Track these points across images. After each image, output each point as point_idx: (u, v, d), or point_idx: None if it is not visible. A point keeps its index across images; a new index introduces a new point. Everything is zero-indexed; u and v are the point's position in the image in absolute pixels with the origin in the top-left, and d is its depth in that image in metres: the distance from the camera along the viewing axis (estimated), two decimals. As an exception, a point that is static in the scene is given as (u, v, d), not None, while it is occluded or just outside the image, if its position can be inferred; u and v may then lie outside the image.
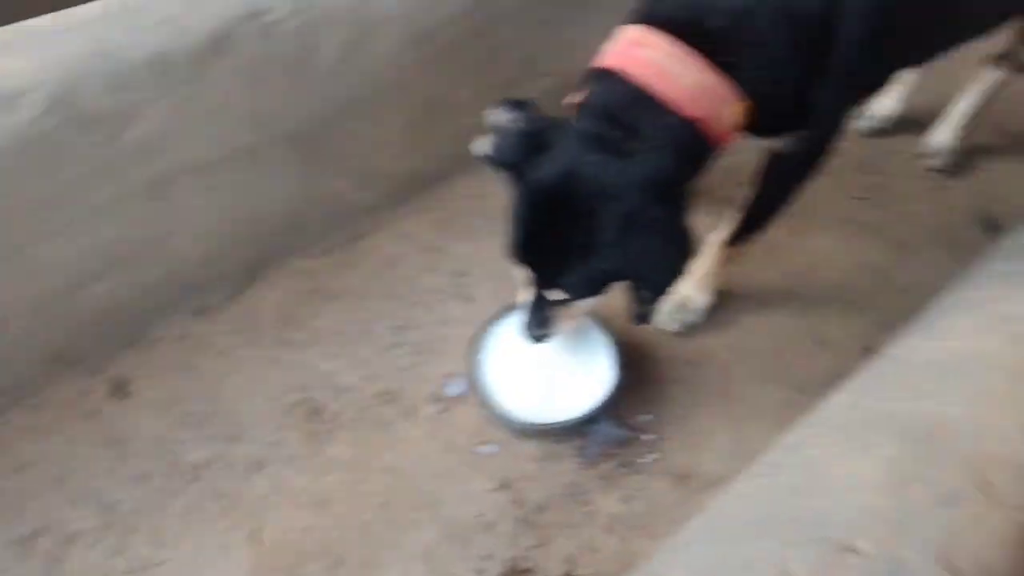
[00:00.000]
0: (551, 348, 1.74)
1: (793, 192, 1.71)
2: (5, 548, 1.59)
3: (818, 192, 2.22)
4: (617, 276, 1.42)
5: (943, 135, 2.38)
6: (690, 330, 1.96)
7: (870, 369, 1.47)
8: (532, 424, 1.71)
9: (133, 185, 1.71)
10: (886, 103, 2.49)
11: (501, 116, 1.41)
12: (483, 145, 1.43)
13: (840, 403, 1.38)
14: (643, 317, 1.49)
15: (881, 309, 2.00)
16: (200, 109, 1.73)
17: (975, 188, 2.36)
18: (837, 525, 1.07)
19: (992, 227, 2.24)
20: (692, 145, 1.34)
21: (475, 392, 1.76)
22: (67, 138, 1.58)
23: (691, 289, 1.94)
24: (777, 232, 2.12)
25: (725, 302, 2.01)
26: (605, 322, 1.85)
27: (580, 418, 1.70)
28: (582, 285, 1.44)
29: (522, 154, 1.38)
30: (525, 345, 1.66)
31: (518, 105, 1.40)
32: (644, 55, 1.30)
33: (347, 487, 1.69)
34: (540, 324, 1.59)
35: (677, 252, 1.38)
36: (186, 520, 1.64)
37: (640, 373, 1.88)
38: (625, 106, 1.31)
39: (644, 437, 1.77)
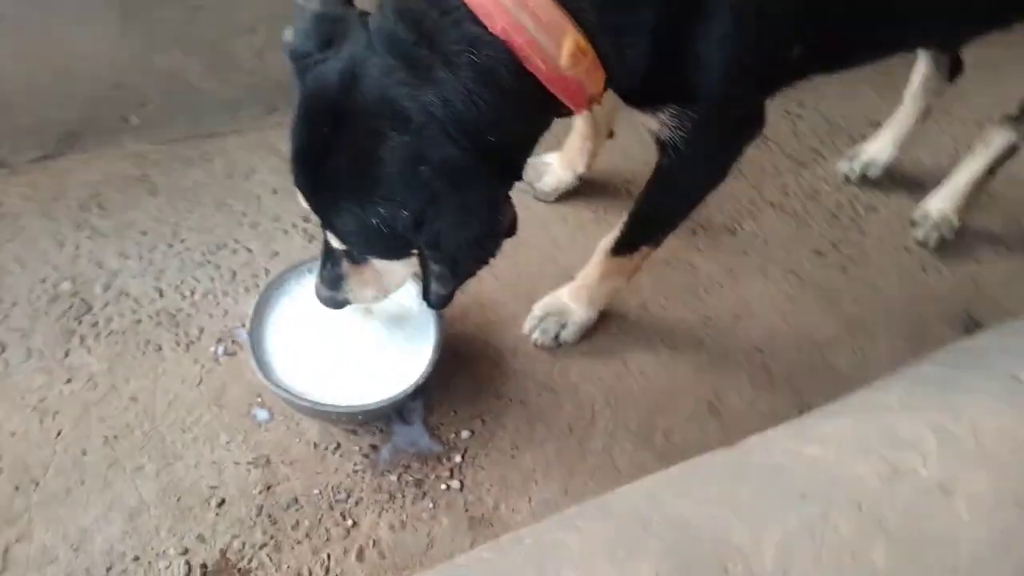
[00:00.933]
0: (357, 320, 1.43)
1: (683, 195, 1.41)
2: None
3: (772, 232, 1.95)
4: (399, 231, 1.08)
5: (939, 203, 1.99)
6: (559, 348, 1.63)
7: (697, 461, 1.13)
8: (284, 393, 1.36)
9: None
10: (878, 146, 2.10)
11: (305, -6, 1.08)
12: (290, 33, 1.10)
13: (630, 494, 1.04)
14: (434, 298, 1.17)
15: (800, 391, 1.65)
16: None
17: (962, 276, 1.96)
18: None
19: (971, 328, 1.84)
20: (508, 79, 0.99)
21: (248, 342, 1.42)
22: None
23: (568, 297, 1.62)
24: (709, 266, 1.84)
25: (614, 328, 1.69)
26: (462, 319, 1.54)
27: (348, 408, 1.36)
28: (359, 232, 1.11)
29: (312, 44, 1.05)
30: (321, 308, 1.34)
31: (320, -18, 1.07)
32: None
33: (81, 404, 1.41)
34: (330, 283, 1.28)
35: (474, 220, 1.05)
36: None
37: (480, 382, 1.56)
38: (424, 4, 0.99)
39: (452, 458, 1.45)
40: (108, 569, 1.26)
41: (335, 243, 1.20)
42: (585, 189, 1.89)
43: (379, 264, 1.26)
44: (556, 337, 1.62)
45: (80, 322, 1.49)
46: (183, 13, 1.68)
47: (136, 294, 1.55)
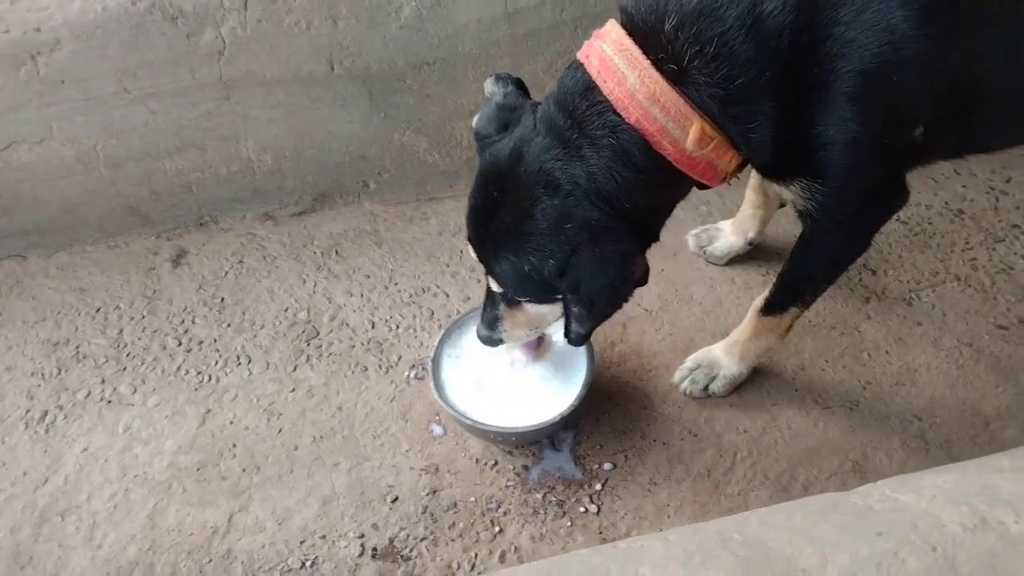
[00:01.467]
0: (517, 357, 1.65)
1: (823, 261, 1.48)
2: (36, 344, 1.89)
3: (952, 305, 1.94)
4: (546, 277, 1.28)
5: None
6: (708, 399, 1.73)
7: (801, 500, 1.20)
8: (453, 412, 1.60)
9: (205, 79, 1.90)
10: None
11: (489, 88, 1.35)
12: (476, 118, 1.38)
13: (726, 520, 1.14)
14: (573, 336, 1.35)
15: (956, 458, 1.59)
16: (277, 27, 1.87)
17: None
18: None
19: None
20: (641, 159, 1.18)
21: (430, 369, 1.69)
22: (152, 24, 1.82)
23: (721, 352, 1.72)
24: (877, 333, 1.86)
25: (767, 385, 1.75)
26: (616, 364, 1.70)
27: (504, 429, 1.58)
28: (514, 278, 1.33)
29: (493, 128, 1.32)
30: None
31: (504, 79, 1.34)
32: (600, 46, 1.16)
33: (300, 409, 1.75)
34: (489, 324, 1.51)
35: (609, 270, 1.23)
36: (166, 379, 1.81)
37: (628, 422, 1.70)
38: (577, 98, 1.20)
39: (594, 486, 1.61)
40: (301, 542, 1.55)
41: (494, 287, 1.44)
42: (755, 253, 1.99)
43: (529, 308, 1.47)
44: (705, 388, 1.73)
45: (309, 344, 1.86)
46: (417, 100, 2.07)
47: (354, 325, 1.90)
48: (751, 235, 1.96)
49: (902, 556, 1.01)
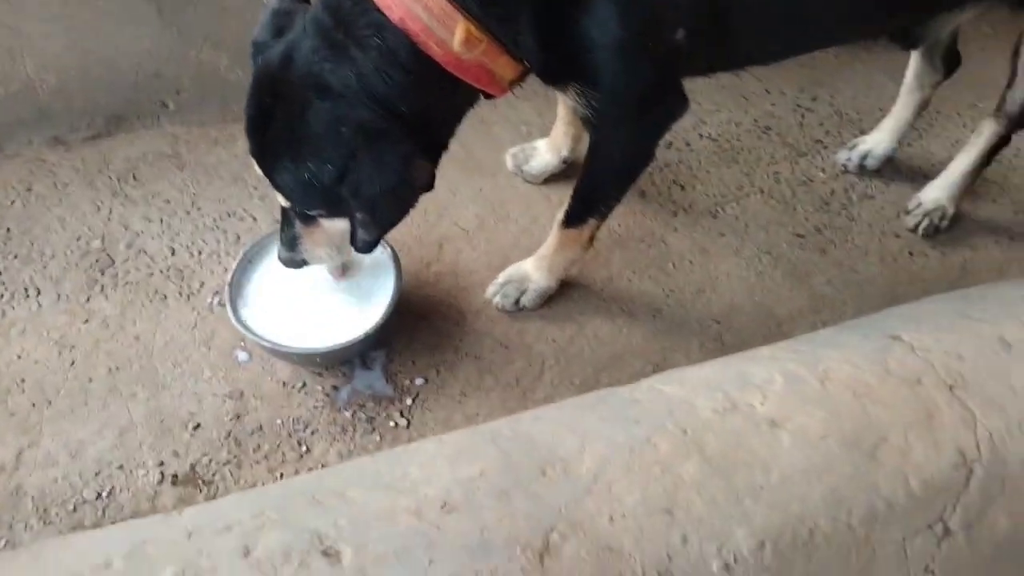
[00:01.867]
0: (321, 278, 1.61)
1: (611, 170, 1.52)
2: None
3: (755, 217, 2.00)
4: (327, 184, 1.25)
5: (934, 192, 1.98)
6: (520, 312, 1.75)
7: (582, 397, 1.24)
8: (252, 335, 1.55)
9: None
10: (877, 137, 2.11)
11: (268, -7, 1.28)
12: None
13: (506, 420, 1.17)
14: (360, 243, 1.33)
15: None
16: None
17: (951, 263, 1.95)
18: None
19: (952, 323, 1.82)
20: (408, 59, 1.15)
21: (228, 293, 1.62)
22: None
23: (530, 266, 1.74)
24: (682, 244, 1.92)
25: (576, 296, 1.79)
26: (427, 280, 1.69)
27: (305, 349, 1.54)
28: (296, 188, 1.29)
29: (267, 34, 1.26)
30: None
31: (280, -17, 1.27)
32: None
33: (94, 340, 1.65)
34: (288, 244, 1.47)
35: (388, 172, 1.21)
36: (-57, 317, 1.68)
37: (441, 338, 1.71)
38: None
39: (404, 401, 1.61)
40: (96, 474, 1.48)
41: (282, 201, 1.39)
42: (571, 172, 2.00)
43: (325, 224, 1.43)
44: (517, 302, 1.75)
45: (103, 273, 1.75)
46: (211, 12, 1.95)
47: (152, 252, 1.80)
48: (564, 153, 1.98)
49: (654, 441, 1.06)
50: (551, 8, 1.18)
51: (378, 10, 1.14)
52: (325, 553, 0.90)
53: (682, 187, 2.04)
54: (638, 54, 1.25)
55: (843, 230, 1.99)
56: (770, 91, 2.35)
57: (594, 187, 1.56)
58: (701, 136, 2.17)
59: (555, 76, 1.32)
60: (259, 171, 1.34)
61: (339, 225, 1.44)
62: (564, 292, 1.79)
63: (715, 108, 2.25)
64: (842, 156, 2.14)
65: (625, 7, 1.18)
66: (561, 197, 1.98)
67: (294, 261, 1.52)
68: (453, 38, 1.14)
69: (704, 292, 1.83)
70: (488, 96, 1.31)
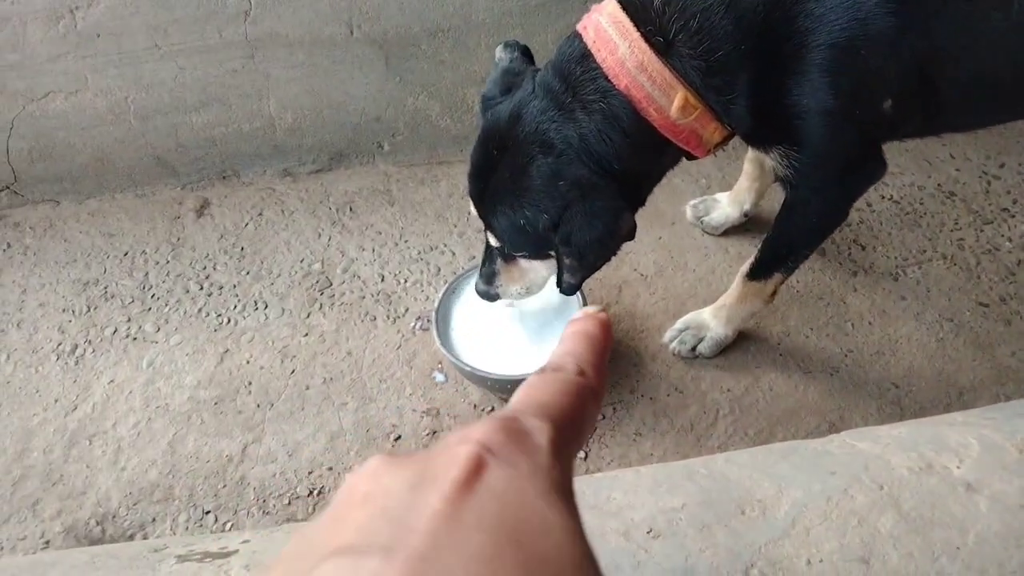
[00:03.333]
0: (513, 309, 1.75)
1: (804, 228, 1.57)
2: (68, 284, 2.01)
3: (937, 282, 2.01)
4: (540, 231, 1.38)
5: None
6: (695, 359, 1.82)
7: (769, 446, 1.30)
8: (456, 362, 1.70)
9: (231, 38, 2.02)
10: None
11: (499, 54, 1.44)
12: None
13: (695, 461, 1.25)
14: (565, 286, 1.45)
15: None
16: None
17: None
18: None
19: None
20: (629, 123, 1.27)
21: (434, 320, 1.78)
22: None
23: (709, 315, 1.81)
24: (862, 305, 1.94)
25: (752, 349, 1.85)
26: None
27: (501, 376, 1.67)
28: (510, 231, 1.43)
29: (497, 91, 1.42)
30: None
31: (511, 46, 1.43)
32: (596, 18, 1.25)
33: (312, 352, 1.86)
34: (487, 279, 1.61)
35: (598, 223, 1.33)
36: (189, 320, 1.93)
37: (619, 375, 1.81)
38: (573, 64, 1.29)
39: (584, 433, 1.71)
40: (309, 473, 1.67)
41: (492, 241, 1.54)
42: (750, 226, 2.07)
43: (524, 263, 1.57)
44: (693, 349, 1.83)
45: (322, 293, 1.97)
46: (431, 65, 2.16)
47: (365, 277, 2.01)
48: (747, 207, 2.05)
49: (851, 492, 1.12)
50: (766, 78, 1.27)
51: (606, 78, 1.27)
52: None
53: (862, 247, 2.06)
54: (845, 121, 1.32)
55: (1026, 302, 1.95)
56: (955, 156, 2.33)
57: (785, 242, 1.63)
58: (883, 198, 2.19)
59: (760, 139, 1.42)
60: (474, 212, 1.50)
61: (536, 266, 1.59)
62: (740, 344, 1.85)
63: (898, 171, 2.26)
64: None
65: (837, 77, 1.25)
66: (739, 250, 2.06)
67: (488, 294, 1.67)
68: (672, 105, 1.26)
69: (883, 355, 1.85)
70: (691, 158, 1.42)
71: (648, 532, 1.05)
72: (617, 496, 1.15)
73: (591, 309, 0.57)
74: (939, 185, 2.24)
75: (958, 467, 1.12)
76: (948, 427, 1.21)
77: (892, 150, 2.29)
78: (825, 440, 1.26)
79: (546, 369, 0.50)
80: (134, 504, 1.65)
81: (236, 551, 1.12)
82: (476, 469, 0.38)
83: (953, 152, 2.33)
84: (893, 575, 1.01)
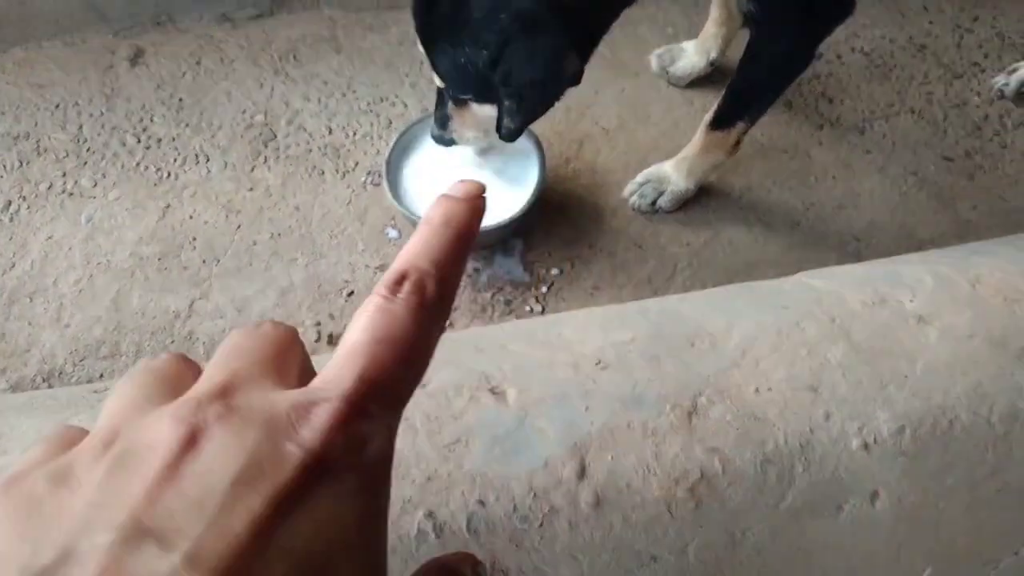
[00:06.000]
0: (467, 161, 1.67)
1: (769, 72, 1.49)
2: (-5, 137, 1.90)
3: (903, 136, 1.97)
4: (480, 69, 1.29)
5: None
6: (655, 213, 1.78)
7: (729, 287, 1.28)
8: (410, 215, 1.65)
9: None
10: None
11: None
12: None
13: (652, 301, 1.22)
14: (504, 131, 1.38)
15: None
16: None
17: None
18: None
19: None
20: None
21: (384, 175, 1.71)
22: None
23: (670, 168, 1.76)
24: (826, 158, 1.90)
25: (713, 203, 1.81)
26: (566, 174, 1.74)
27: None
28: (452, 70, 1.34)
29: None
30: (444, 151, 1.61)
31: None
32: None
33: (258, 207, 1.79)
34: (440, 123, 1.53)
35: (539, 62, 1.24)
36: (127, 174, 1.84)
37: (577, 230, 1.77)
38: None
39: (540, 289, 1.69)
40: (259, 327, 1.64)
41: (438, 83, 1.45)
42: (716, 78, 1.99)
43: (475, 107, 1.48)
44: (653, 203, 1.78)
45: (266, 146, 1.88)
46: None
47: (311, 130, 1.91)
48: (713, 55, 1.96)
49: (803, 325, 1.10)
50: None
51: None
52: (492, 391, 0.99)
53: (830, 100, 2.00)
54: None
55: (994, 156, 1.91)
56: (928, 8, 2.24)
57: (748, 88, 1.56)
58: (853, 50, 2.10)
59: None
60: (421, 49, 1.40)
61: (487, 110, 1.49)
62: (701, 198, 1.81)
63: (870, 22, 2.17)
64: (999, 81, 2.04)
65: None
66: (704, 102, 1.98)
67: (443, 139, 1.59)
68: None
69: (845, 208, 1.82)
70: None
71: (597, 364, 1.03)
72: (568, 333, 1.12)
73: (467, 184, 0.42)
74: (911, 38, 2.16)
75: (911, 301, 1.10)
76: (904, 265, 1.20)
77: (864, 2, 2.22)
78: (781, 280, 1.24)
79: (384, 285, 0.36)
80: (80, 360, 1.61)
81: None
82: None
83: (927, 4, 2.24)
84: (841, 402, 1.01)
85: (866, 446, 1.01)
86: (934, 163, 1.90)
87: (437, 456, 0.96)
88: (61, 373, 1.61)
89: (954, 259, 1.22)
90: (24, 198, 1.81)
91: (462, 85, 1.40)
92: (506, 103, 1.34)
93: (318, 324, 1.63)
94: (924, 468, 1.02)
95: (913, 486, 1.01)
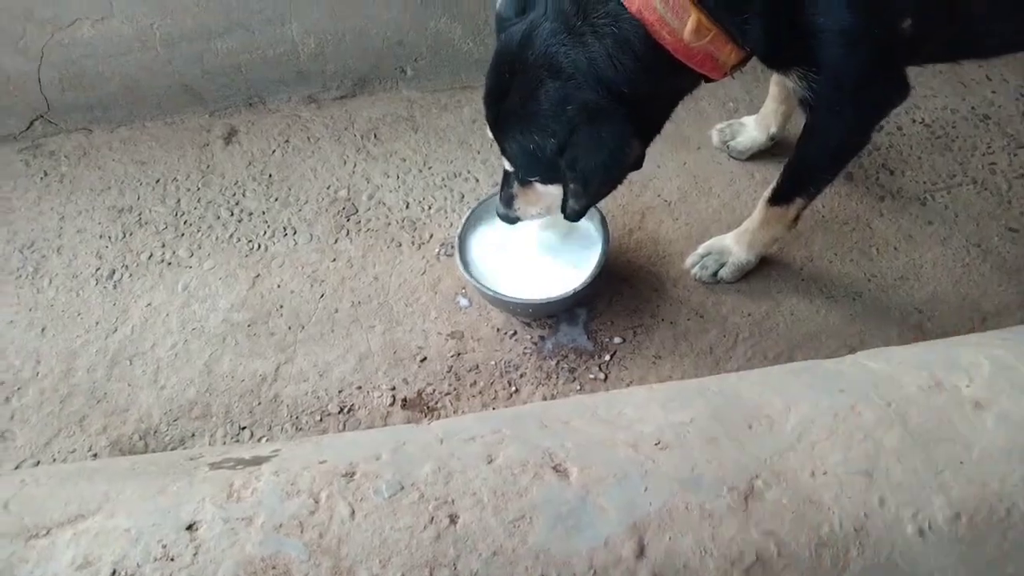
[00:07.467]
0: (533, 235, 1.77)
1: (825, 152, 1.55)
2: (103, 210, 2.07)
3: (966, 207, 1.99)
4: (548, 155, 1.39)
5: None
6: (717, 284, 1.84)
7: (785, 366, 1.32)
8: (479, 286, 1.73)
9: None
10: None
11: (512, -25, 1.43)
12: (500, 2, 1.46)
13: (710, 379, 1.28)
14: (569, 211, 1.47)
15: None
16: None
17: None
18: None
19: None
20: (641, 48, 1.26)
21: (457, 246, 1.81)
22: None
23: (731, 240, 1.82)
24: (888, 230, 1.93)
25: (774, 275, 1.86)
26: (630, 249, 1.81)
27: (523, 300, 1.71)
28: (521, 156, 1.45)
29: (512, 11, 1.41)
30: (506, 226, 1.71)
31: (523, -35, 1.41)
32: (610, -60, 1.24)
33: (340, 277, 1.91)
34: (506, 202, 1.63)
35: (603, 149, 1.34)
36: (221, 246, 1.98)
37: (640, 302, 1.83)
38: None
39: (603, 357, 1.75)
40: (339, 391, 1.74)
41: (507, 166, 1.56)
42: (777, 151, 2.05)
43: (539, 188, 1.58)
44: (715, 274, 1.84)
45: (348, 219, 2.01)
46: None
47: (390, 204, 2.04)
48: (773, 130, 2.02)
49: (859, 409, 1.14)
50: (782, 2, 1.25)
51: (618, 1, 1.26)
52: (556, 469, 1.06)
53: (891, 172, 2.03)
54: (862, 40, 1.29)
55: (1062, 230, 1.92)
56: (991, 78, 2.26)
57: (806, 166, 1.62)
58: (914, 121, 2.14)
59: (778, 60, 1.40)
60: (491, 135, 1.51)
61: (552, 189, 1.59)
62: (763, 269, 1.86)
63: (931, 93, 2.20)
64: None
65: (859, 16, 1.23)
66: (765, 175, 2.04)
67: (508, 217, 1.69)
68: (685, 28, 1.25)
69: (907, 280, 1.84)
70: (708, 80, 1.40)
71: (656, 444, 1.09)
72: (628, 411, 1.19)
73: None
74: (973, 108, 2.18)
75: (968, 386, 1.13)
76: (961, 347, 1.22)
77: (925, 73, 2.26)
78: (838, 360, 1.28)
79: None
80: (174, 420, 1.73)
81: (267, 459, 1.18)
82: None
83: (990, 74, 2.26)
84: (896, 487, 1.04)
85: (921, 532, 1.04)
86: (998, 234, 1.91)
87: (503, 532, 1.03)
88: (156, 432, 1.74)
89: (1012, 342, 1.24)
90: (127, 267, 1.97)
91: (530, 169, 1.50)
92: (572, 186, 1.43)
93: (393, 389, 1.73)
94: (981, 556, 1.05)
95: (970, 574, 1.03)
